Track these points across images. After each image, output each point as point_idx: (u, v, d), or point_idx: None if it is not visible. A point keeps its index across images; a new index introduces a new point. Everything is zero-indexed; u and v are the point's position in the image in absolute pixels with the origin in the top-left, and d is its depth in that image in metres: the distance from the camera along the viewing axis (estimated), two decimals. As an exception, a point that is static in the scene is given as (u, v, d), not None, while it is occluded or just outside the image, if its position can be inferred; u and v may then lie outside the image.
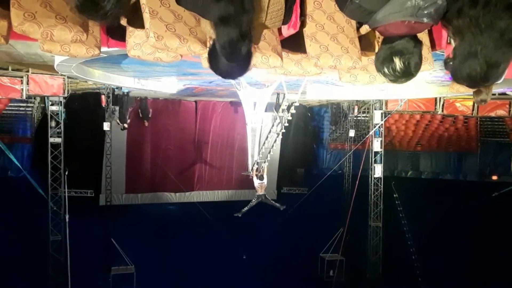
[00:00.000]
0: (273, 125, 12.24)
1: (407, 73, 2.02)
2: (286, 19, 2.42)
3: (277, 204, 11.91)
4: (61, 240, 11.45)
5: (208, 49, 2.12)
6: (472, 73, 1.63)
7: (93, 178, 16.10)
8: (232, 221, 14.07)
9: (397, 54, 1.99)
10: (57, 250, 11.56)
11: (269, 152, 12.07)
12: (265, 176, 11.57)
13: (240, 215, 11.70)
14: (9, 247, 11.86)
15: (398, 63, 1.99)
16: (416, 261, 13.17)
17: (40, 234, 11.81)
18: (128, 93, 13.17)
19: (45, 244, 11.63)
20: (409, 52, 1.99)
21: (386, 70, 2.04)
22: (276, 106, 11.51)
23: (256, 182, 11.42)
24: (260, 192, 11.47)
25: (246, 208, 11.60)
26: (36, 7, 2.05)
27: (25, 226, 12.72)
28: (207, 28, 2.08)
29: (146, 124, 14.94)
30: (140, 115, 14.76)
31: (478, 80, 1.66)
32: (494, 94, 10.75)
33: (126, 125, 13.89)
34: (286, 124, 11.63)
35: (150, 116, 14.99)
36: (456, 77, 1.72)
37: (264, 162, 11.78)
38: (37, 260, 11.78)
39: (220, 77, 2.13)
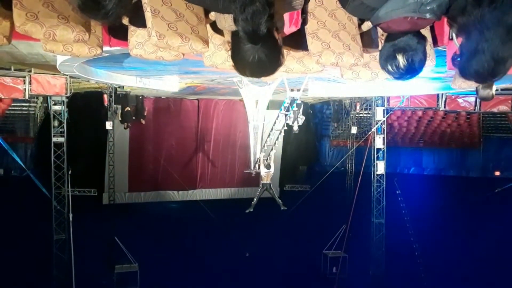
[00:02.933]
0: (275, 123, 12.23)
1: (411, 70, 2.02)
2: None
3: (280, 201, 11.88)
4: (65, 239, 11.49)
5: (229, 52, 1.90)
6: (479, 69, 1.64)
7: (96, 177, 16.17)
8: (235, 219, 14.12)
9: (400, 51, 1.99)
10: (61, 249, 11.61)
11: (271, 149, 12.06)
12: (272, 164, 11.53)
13: (252, 210, 11.66)
14: (13, 247, 11.92)
15: (401, 60, 1.99)
16: (419, 257, 13.15)
17: (44, 233, 11.87)
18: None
19: (49, 243, 11.68)
20: (412, 48, 1.98)
21: (390, 67, 2.04)
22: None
23: (263, 170, 11.39)
24: (266, 181, 11.44)
25: (255, 201, 11.58)
26: (38, 7, 2.06)
27: (29, 225, 12.79)
28: (224, 23, 2.02)
29: (143, 122, 14.72)
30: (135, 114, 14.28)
31: (486, 76, 1.66)
32: (497, 90, 10.69)
33: (129, 123, 13.88)
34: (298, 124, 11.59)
35: (145, 114, 14.71)
36: (464, 74, 1.72)
37: (272, 149, 11.76)
38: (41, 259, 11.83)
39: (245, 78, 1.94)
